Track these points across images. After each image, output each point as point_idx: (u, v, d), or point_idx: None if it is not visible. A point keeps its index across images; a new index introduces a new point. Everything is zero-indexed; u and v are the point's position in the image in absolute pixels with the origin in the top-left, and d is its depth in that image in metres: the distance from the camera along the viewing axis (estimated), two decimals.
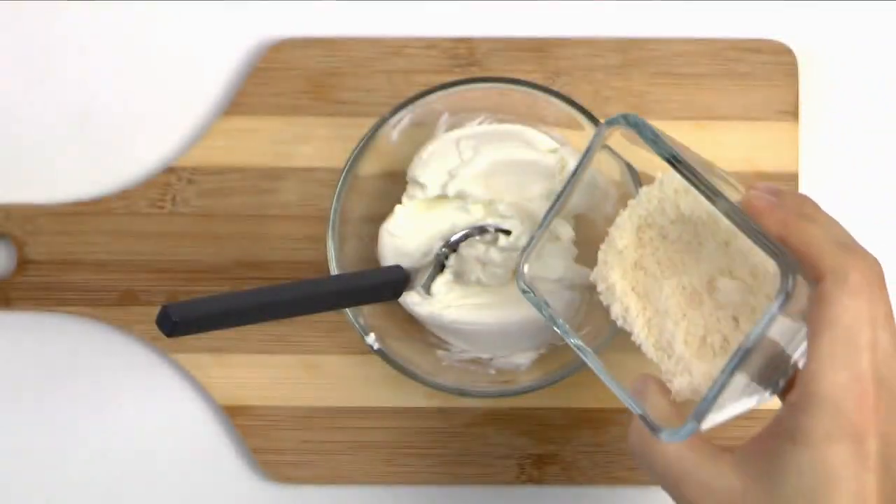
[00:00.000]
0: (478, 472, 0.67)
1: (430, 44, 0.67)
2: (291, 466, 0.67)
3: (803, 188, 0.67)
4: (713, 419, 0.49)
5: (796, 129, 0.67)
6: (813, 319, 0.47)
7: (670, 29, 0.68)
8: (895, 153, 0.68)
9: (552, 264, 0.60)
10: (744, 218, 0.49)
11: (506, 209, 0.62)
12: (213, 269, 0.67)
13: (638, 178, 0.59)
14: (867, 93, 0.68)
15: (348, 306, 0.60)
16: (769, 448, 0.48)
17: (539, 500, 0.67)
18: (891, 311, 0.48)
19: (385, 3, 0.69)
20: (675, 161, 0.51)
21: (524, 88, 0.61)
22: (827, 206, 0.68)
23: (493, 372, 0.63)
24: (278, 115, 0.67)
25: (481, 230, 0.62)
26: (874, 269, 0.48)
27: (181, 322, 0.50)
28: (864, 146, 0.68)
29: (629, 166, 0.59)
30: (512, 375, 0.63)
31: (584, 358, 0.55)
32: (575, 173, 0.56)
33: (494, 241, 0.62)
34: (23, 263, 0.67)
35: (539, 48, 0.67)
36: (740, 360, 0.47)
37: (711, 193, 0.50)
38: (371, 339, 0.61)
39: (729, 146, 0.67)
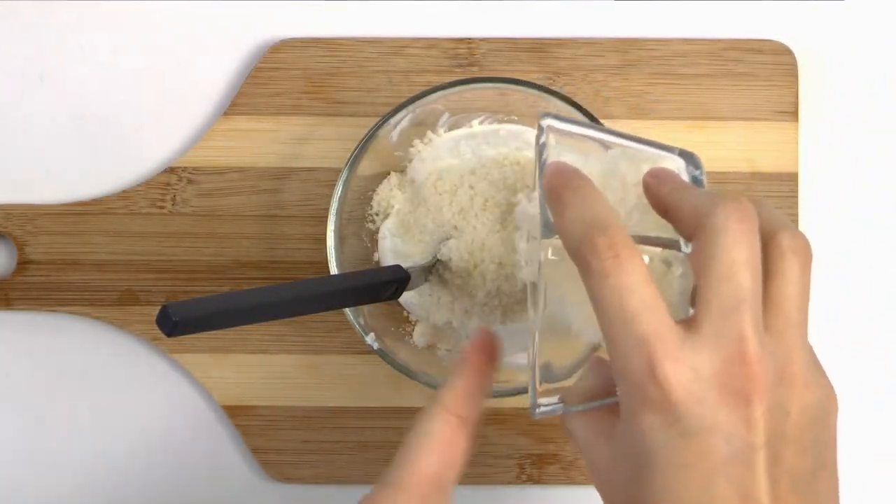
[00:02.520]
0: (478, 472, 0.66)
1: (431, 44, 0.67)
2: (291, 466, 0.67)
3: (803, 188, 0.67)
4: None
5: (796, 129, 0.67)
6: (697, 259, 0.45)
7: (670, 29, 0.68)
8: (895, 153, 0.68)
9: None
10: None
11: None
12: (213, 269, 0.67)
13: None
14: (867, 93, 0.69)
15: (348, 306, 0.60)
16: (620, 420, 0.46)
17: (539, 500, 0.67)
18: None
19: (385, 3, 0.69)
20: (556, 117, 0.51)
21: (524, 88, 0.61)
22: (826, 205, 0.68)
23: None
24: (278, 115, 0.67)
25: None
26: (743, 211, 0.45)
27: (181, 322, 0.50)
28: (863, 146, 0.68)
29: None
30: (512, 375, 0.63)
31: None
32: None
33: None
34: (23, 263, 0.67)
35: (539, 48, 0.67)
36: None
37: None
38: (371, 338, 0.61)
39: (728, 146, 0.67)
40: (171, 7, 0.69)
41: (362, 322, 0.61)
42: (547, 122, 0.51)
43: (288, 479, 0.67)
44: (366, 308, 0.62)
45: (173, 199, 0.67)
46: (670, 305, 0.46)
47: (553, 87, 0.65)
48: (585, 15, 0.68)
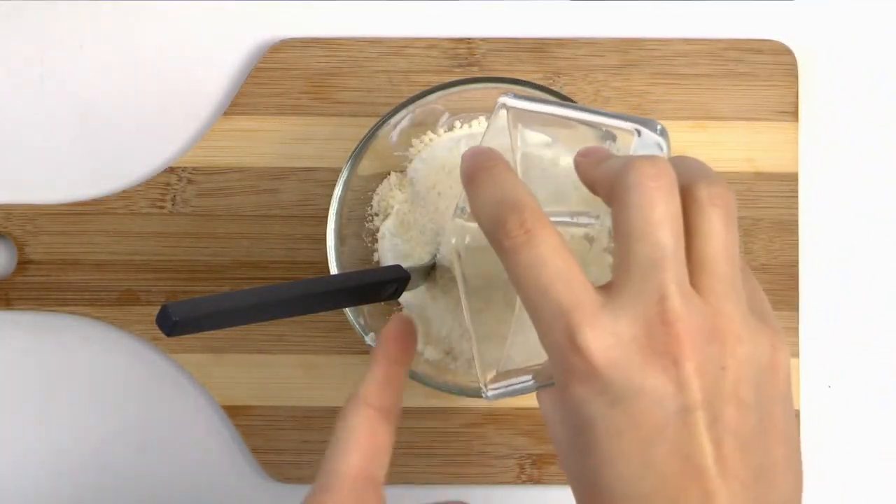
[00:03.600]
0: (478, 472, 0.67)
1: (431, 44, 0.67)
2: (291, 466, 0.67)
3: (803, 188, 0.67)
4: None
5: (796, 129, 0.67)
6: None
7: (670, 29, 0.68)
8: (894, 153, 0.68)
9: None
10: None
11: None
12: (213, 269, 0.67)
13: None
14: (867, 93, 0.69)
15: (348, 306, 0.59)
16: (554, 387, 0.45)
17: (539, 500, 0.67)
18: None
19: (385, 3, 0.69)
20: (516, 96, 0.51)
21: (524, 88, 0.61)
22: (826, 205, 0.68)
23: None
24: (278, 115, 0.67)
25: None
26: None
27: (181, 321, 0.50)
28: (863, 146, 0.68)
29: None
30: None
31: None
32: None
33: None
34: (23, 263, 0.67)
35: (539, 48, 0.67)
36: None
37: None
38: (370, 338, 0.61)
39: (729, 146, 0.67)
40: (172, 7, 0.69)
41: (362, 322, 0.61)
42: (504, 100, 0.51)
43: (288, 479, 0.67)
44: (366, 308, 0.62)
45: (173, 199, 0.67)
46: (597, 280, 0.44)
47: (553, 87, 0.65)
48: (585, 15, 0.68)
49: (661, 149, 0.48)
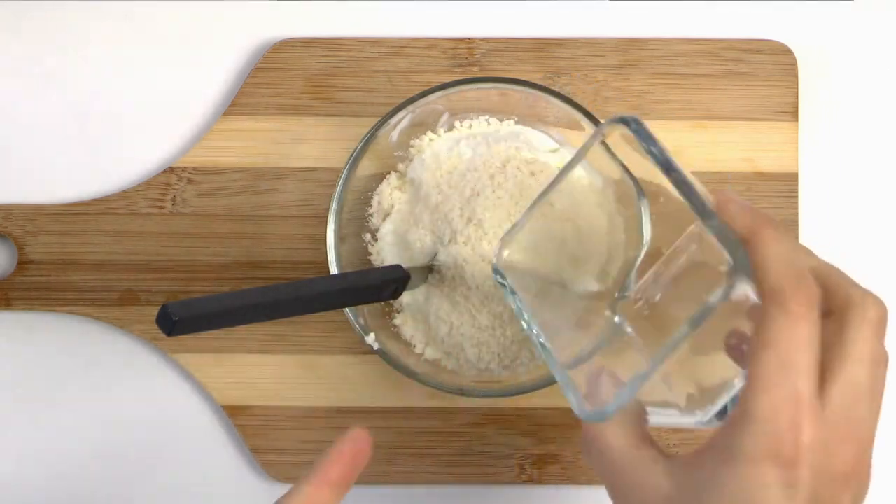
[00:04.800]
0: (478, 472, 0.67)
1: (431, 44, 0.67)
2: (291, 466, 0.67)
3: (803, 188, 0.67)
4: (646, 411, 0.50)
5: (796, 129, 0.67)
6: (753, 338, 0.46)
7: (670, 29, 0.68)
8: (894, 153, 0.69)
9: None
10: (722, 227, 0.48)
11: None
12: (213, 269, 0.67)
13: (636, 180, 0.59)
14: (867, 93, 0.69)
15: (348, 306, 0.59)
16: (705, 460, 0.47)
17: (539, 500, 0.67)
18: (884, 353, 0.48)
19: (385, 3, 0.69)
20: (669, 170, 0.51)
21: (523, 88, 0.61)
22: (826, 206, 0.68)
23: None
24: (278, 115, 0.67)
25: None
26: (816, 297, 0.47)
27: (181, 321, 0.50)
28: (863, 146, 0.68)
29: (625, 168, 0.59)
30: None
31: (541, 353, 0.55)
32: (567, 168, 0.56)
33: None
34: (23, 263, 0.67)
35: (539, 48, 0.67)
36: (672, 347, 0.47)
37: (702, 207, 0.49)
38: (371, 338, 0.61)
39: (729, 146, 0.67)
40: (172, 7, 0.69)
41: (362, 322, 0.61)
42: (619, 123, 0.51)
43: (288, 479, 0.67)
44: (365, 308, 0.62)
45: (173, 199, 0.67)
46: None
47: (553, 87, 0.65)
48: (585, 15, 0.68)
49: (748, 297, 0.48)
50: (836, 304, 0.48)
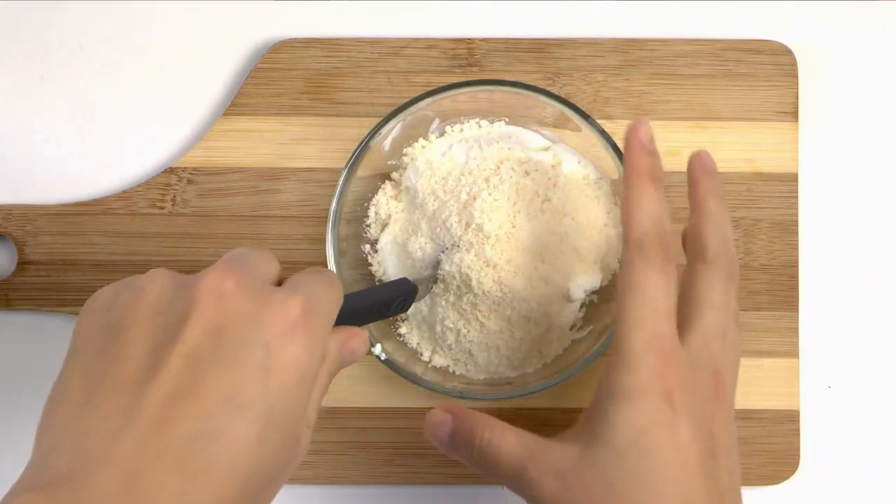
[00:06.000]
0: (478, 473, 0.66)
1: (430, 44, 0.67)
2: None
3: (803, 188, 0.67)
4: None
5: (796, 130, 0.67)
6: (619, 282, 0.52)
7: (670, 29, 0.68)
8: (894, 153, 0.68)
9: None
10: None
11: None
12: None
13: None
14: (867, 93, 0.68)
15: (360, 325, 0.58)
16: (599, 412, 0.51)
17: None
18: (731, 301, 0.54)
19: (385, 3, 0.69)
20: None
21: (512, 89, 0.61)
22: (826, 206, 0.68)
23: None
24: (278, 115, 0.67)
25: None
26: (671, 251, 0.53)
27: None
28: (863, 146, 0.68)
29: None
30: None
31: None
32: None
33: None
34: (23, 263, 0.67)
35: (539, 48, 0.67)
36: None
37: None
38: (378, 349, 0.61)
39: (729, 146, 0.67)
40: (172, 7, 0.69)
41: (367, 333, 0.61)
42: None
43: (288, 479, 0.67)
44: None
45: (173, 199, 0.67)
46: None
47: (553, 88, 0.65)
48: (585, 15, 0.68)
49: None
50: (698, 256, 0.55)
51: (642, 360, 0.50)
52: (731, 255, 0.55)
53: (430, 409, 0.56)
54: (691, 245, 0.56)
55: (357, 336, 0.50)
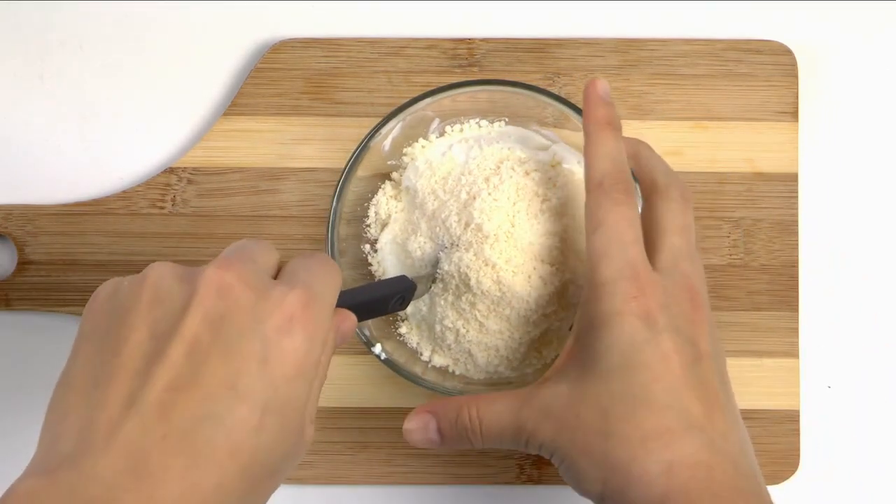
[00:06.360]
0: (478, 472, 0.67)
1: (431, 44, 0.67)
2: None
3: (803, 188, 0.67)
4: None
5: (796, 130, 0.67)
6: (586, 224, 0.54)
7: (670, 29, 0.68)
8: (894, 153, 0.68)
9: None
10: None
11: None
12: None
13: (632, 170, 0.59)
14: (867, 93, 0.69)
15: (358, 321, 0.58)
16: (580, 345, 0.53)
17: (539, 500, 0.67)
18: (690, 221, 0.56)
19: (385, 3, 0.69)
20: None
21: (511, 89, 0.61)
22: (826, 206, 0.68)
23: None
24: (278, 115, 0.67)
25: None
26: (631, 186, 0.55)
27: None
28: (863, 146, 0.68)
29: None
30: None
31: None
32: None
33: None
34: (23, 263, 0.67)
35: (539, 48, 0.67)
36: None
37: None
38: (378, 349, 0.61)
39: (729, 146, 0.67)
40: (172, 7, 0.69)
41: (368, 333, 0.61)
42: None
43: (288, 480, 0.67)
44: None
45: (173, 199, 0.67)
46: None
47: (552, 88, 0.65)
48: (585, 15, 0.68)
49: None
50: (651, 191, 0.57)
51: (616, 287, 0.52)
52: (678, 178, 0.57)
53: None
54: (640, 186, 0.58)
55: (348, 318, 0.51)
